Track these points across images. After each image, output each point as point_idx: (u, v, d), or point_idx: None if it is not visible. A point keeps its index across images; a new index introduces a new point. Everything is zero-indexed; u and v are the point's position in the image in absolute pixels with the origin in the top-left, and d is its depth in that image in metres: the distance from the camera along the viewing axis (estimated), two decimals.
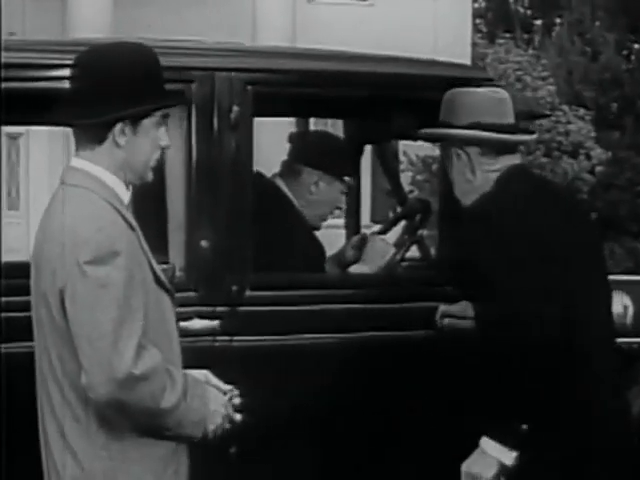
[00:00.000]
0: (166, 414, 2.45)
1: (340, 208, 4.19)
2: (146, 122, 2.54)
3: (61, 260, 2.40)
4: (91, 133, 2.52)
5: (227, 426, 2.61)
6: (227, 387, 2.65)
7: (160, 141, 2.60)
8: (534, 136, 3.34)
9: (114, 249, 2.40)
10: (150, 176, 2.62)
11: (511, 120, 3.06)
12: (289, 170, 4.00)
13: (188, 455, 2.62)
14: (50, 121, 3.62)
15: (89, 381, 2.37)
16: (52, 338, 2.48)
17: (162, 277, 2.60)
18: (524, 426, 2.73)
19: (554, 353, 2.71)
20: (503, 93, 3.14)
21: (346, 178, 4.05)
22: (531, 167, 3.18)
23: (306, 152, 4.03)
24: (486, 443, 2.77)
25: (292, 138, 4.14)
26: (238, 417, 2.63)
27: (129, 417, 2.44)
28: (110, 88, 2.48)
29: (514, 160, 3.04)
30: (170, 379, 2.45)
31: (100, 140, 2.52)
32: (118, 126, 2.50)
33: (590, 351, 2.85)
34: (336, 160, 4.00)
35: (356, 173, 4.17)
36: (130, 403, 2.39)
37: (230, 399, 2.62)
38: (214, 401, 2.58)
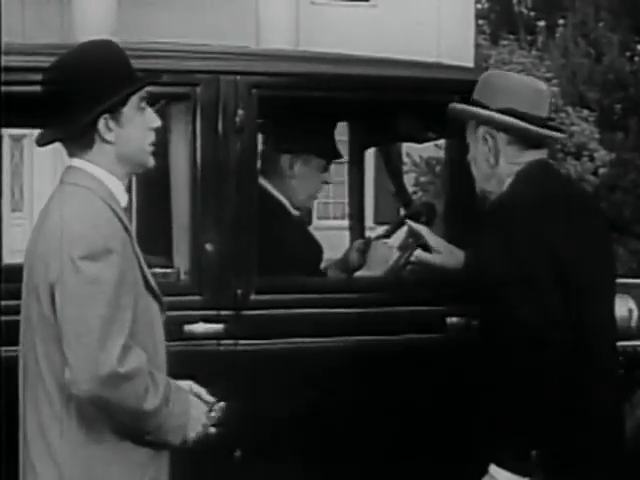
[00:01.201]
0: (147, 416, 2.45)
1: (328, 183, 4.04)
2: (127, 110, 2.54)
3: (54, 255, 2.41)
4: (78, 141, 2.53)
5: (206, 435, 2.60)
6: (210, 398, 2.65)
7: (151, 123, 2.60)
8: (564, 135, 3.28)
9: (108, 247, 2.40)
10: (152, 162, 2.62)
11: (544, 114, 2.98)
12: (267, 162, 3.92)
13: (169, 462, 2.61)
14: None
15: (73, 377, 2.36)
16: (41, 334, 2.48)
17: (152, 283, 2.59)
18: (534, 452, 2.69)
19: (559, 368, 2.68)
20: (542, 84, 3.08)
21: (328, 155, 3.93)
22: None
23: (275, 138, 3.96)
24: (497, 472, 2.72)
25: (263, 127, 4.03)
26: (213, 430, 2.62)
27: (111, 416, 2.44)
28: (78, 91, 2.49)
29: (539, 155, 2.97)
30: (153, 382, 2.45)
31: (89, 144, 2.53)
32: (101, 123, 2.50)
33: (594, 354, 2.83)
34: (305, 138, 3.88)
35: (332, 148, 4.05)
36: (112, 402, 2.39)
37: (210, 410, 2.62)
38: (196, 408, 2.58)
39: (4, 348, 3.06)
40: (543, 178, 2.95)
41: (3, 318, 3.09)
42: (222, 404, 2.65)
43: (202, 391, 2.65)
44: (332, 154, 4.00)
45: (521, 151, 2.95)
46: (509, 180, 2.93)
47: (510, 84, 3.00)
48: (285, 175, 3.90)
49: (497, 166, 2.96)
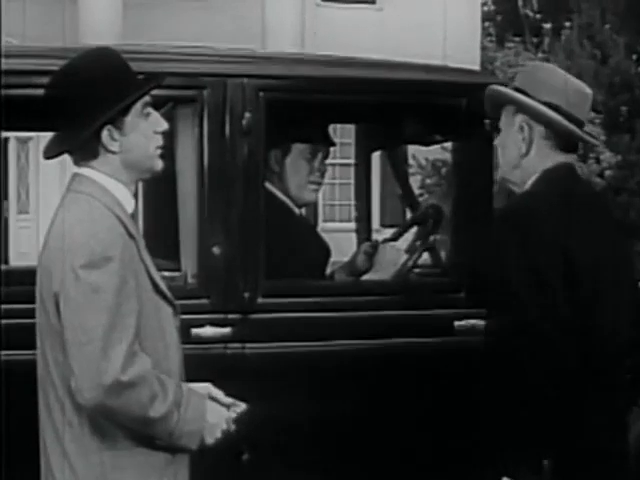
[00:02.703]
0: (155, 423, 2.44)
1: (323, 173, 3.95)
2: (129, 119, 2.52)
3: (57, 264, 2.41)
4: (83, 151, 2.52)
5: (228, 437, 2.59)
6: (229, 400, 2.63)
7: (156, 127, 2.57)
8: (598, 143, 3.25)
9: (107, 254, 2.39)
10: (159, 165, 2.60)
11: (583, 118, 2.94)
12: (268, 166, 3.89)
13: (188, 466, 2.60)
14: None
15: (77, 386, 2.37)
16: (49, 342, 2.48)
17: (162, 286, 2.58)
18: (546, 462, 2.64)
19: (572, 375, 2.64)
20: (588, 89, 3.02)
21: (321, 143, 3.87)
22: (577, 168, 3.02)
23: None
24: None
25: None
26: (232, 428, 2.61)
27: (117, 424, 2.43)
28: (78, 104, 2.47)
29: (568, 158, 2.92)
30: (162, 388, 2.44)
31: (94, 154, 2.52)
32: (104, 134, 2.49)
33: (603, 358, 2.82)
34: (287, 128, 3.82)
35: (322, 136, 3.98)
36: (117, 410, 2.38)
37: (230, 411, 2.60)
38: (212, 414, 2.56)
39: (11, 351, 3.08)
40: (567, 182, 2.89)
41: (13, 321, 3.11)
42: (243, 406, 2.63)
43: (220, 393, 2.63)
44: (318, 137, 3.95)
45: (553, 149, 2.89)
46: (533, 178, 2.89)
47: (558, 80, 2.93)
48: (278, 172, 3.88)
49: (526, 157, 2.90)
